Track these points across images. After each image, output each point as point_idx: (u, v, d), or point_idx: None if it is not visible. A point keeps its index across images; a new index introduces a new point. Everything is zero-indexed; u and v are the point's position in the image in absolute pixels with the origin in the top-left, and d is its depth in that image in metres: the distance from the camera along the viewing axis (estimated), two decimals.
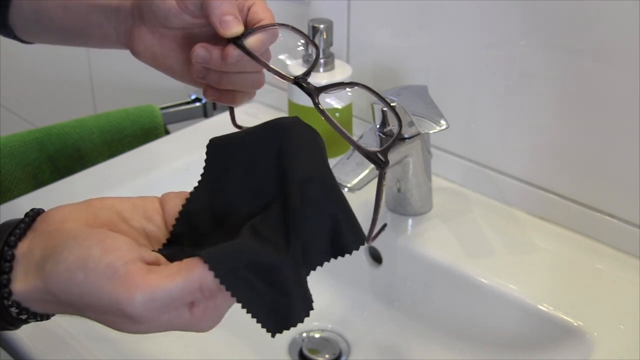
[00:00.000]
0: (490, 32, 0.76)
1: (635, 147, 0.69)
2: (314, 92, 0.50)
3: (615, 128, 0.71)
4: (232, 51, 0.53)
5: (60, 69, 1.46)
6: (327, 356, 0.75)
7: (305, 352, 0.75)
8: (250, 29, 0.53)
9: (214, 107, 1.09)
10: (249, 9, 0.55)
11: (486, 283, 0.71)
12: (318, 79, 0.82)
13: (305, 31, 0.82)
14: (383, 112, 0.72)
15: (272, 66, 0.53)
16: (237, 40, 0.52)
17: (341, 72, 0.84)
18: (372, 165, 0.70)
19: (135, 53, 0.58)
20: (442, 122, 0.70)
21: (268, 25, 0.54)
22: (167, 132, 1.05)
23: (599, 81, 0.70)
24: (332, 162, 0.72)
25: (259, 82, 0.58)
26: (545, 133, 0.76)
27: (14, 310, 0.40)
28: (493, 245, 0.76)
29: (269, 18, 0.55)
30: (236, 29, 0.52)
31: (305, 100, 0.84)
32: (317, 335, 0.78)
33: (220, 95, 0.58)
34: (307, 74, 0.51)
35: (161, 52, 0.57)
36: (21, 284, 0.40)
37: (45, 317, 0.43)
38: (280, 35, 0.56)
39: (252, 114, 1.03)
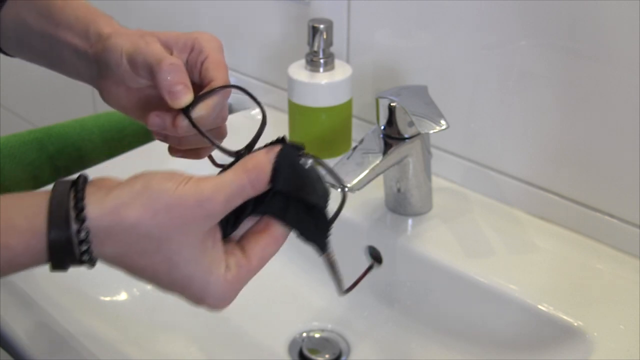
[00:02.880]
0: (490, 32, 0.76)
1: (635, 147, 0.69)
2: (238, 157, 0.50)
3: (615, 128, 0.71)
4: (181, 122, 0.52)
5: None
6: (327, 356, 0.75)
7: (305, 352, 0.75)
8: (199, 95, 0.53)
9: None
10: (202, 64, 0.55)
11: (486, 283, 0.71)
12: (318, 79, 0.82)
13: (305, 31, 0.82)
14: (390, 108, 0.72)
15: (215, 141, 0.52)
16: (186, 110, 0.52)
17: (341, 72, 0.84)
18: (373, 165, 0.71)
19: (104, 100, 0.58)
20: (442, 122, 0.70)
21: (216, 89, 0.53)
22: None
23: (599, 81, 0.70)
24: (332, 162, 0.72)
25: (221, 135, 0.57)
26: (545, 133, 0.76)
27: (82, 235, 0.43)
28: (493, 245, 0.76)
29: (220, 77, 0.54)
30: (184, 99, 0.51)
31: (305, 100, 0.85)
32: (317, 335, 0.78)
33: (184, 153, 0.58)
34: (249, 147, 0.51)
35: (128, 104, 0.57)
36: (96, 208, 0.43)
37: (93, 263, 0.45)
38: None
39: (250, 116, 1.03)
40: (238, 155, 0.50)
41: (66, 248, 0.43)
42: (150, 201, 0.44)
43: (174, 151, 0.58)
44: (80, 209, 0.43)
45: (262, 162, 0.46)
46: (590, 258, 0.73)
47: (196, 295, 0.46)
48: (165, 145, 0.58)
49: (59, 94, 1.50)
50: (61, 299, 0.72)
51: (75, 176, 0.46)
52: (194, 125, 0.52)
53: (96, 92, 0.58)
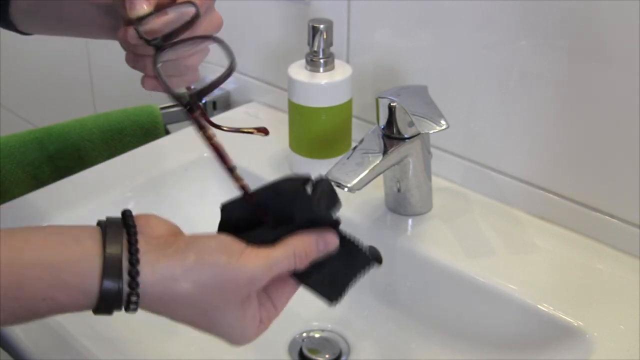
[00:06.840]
0: (490, 32, 0.76)
1: (635, 147, 0.70)
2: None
3: (615, 128, 0.71)
4: (130, 31, 0.52)
5: (60, 69, 1.46)
6: (327, 356, 0.75)
7: (305, 352, 0.75)
8: (156, 9, 0.52)
9: (214, 106, 1.09)
10: None
11: (486, 283, 0.71)
12: (318, 79, 0.82)
13: (305, 31, 0.82)
14: (390, 108, 0.72)
15: (163, 78, 0.51)
16: (139, 21, 0.51)
17: (341, 72, 0.84)
18: (372, 165, 0.71)
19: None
20: (442, 122, 0.70)
21: (175, 5, 0.52)
22: (167, 132, 1.05)
23: (598, 81, 0.70)
24: (332, 162, 0.72)
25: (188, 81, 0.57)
26: (545, 133, 0.76)
27: (133, 298, 0.44)
28: (493, 245, 0.76)
29: None
30: (139, 11, 0.51)
31: (305, 100, 0.85)
32: (317, 335, 0.78)
33: (157, 85, 0.55)
34: (199, 95, 0.50)
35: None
36: (149, 274, 0.45)
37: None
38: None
39: (252, 114, 1.03)
40: (187, 105, 0.50)
41: (115, 303, 0.45)
42: (202, 278, 0.46)
43: (146, 82, 0.56)
44: (134, 275, 0.44)
45: (313, 252, 0.50)
46: (590, 258, 0.73)
47: (230, 341, 0.51)
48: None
49: (59, 94, 1.50)
50: None
51: (122, 220, 0.47)
52: (139, 35, 0.51)
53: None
